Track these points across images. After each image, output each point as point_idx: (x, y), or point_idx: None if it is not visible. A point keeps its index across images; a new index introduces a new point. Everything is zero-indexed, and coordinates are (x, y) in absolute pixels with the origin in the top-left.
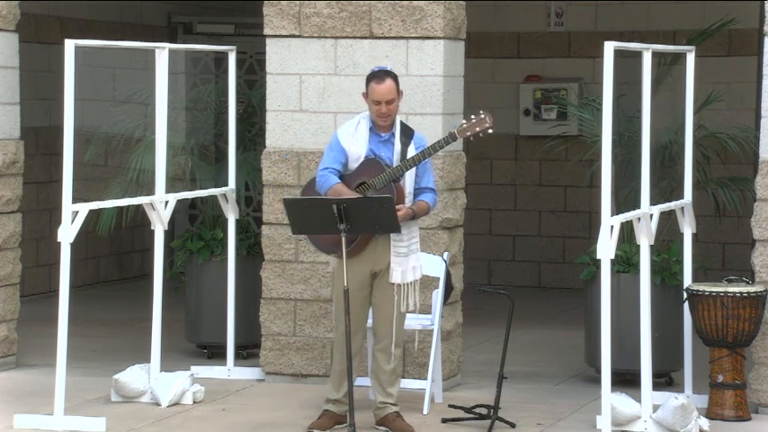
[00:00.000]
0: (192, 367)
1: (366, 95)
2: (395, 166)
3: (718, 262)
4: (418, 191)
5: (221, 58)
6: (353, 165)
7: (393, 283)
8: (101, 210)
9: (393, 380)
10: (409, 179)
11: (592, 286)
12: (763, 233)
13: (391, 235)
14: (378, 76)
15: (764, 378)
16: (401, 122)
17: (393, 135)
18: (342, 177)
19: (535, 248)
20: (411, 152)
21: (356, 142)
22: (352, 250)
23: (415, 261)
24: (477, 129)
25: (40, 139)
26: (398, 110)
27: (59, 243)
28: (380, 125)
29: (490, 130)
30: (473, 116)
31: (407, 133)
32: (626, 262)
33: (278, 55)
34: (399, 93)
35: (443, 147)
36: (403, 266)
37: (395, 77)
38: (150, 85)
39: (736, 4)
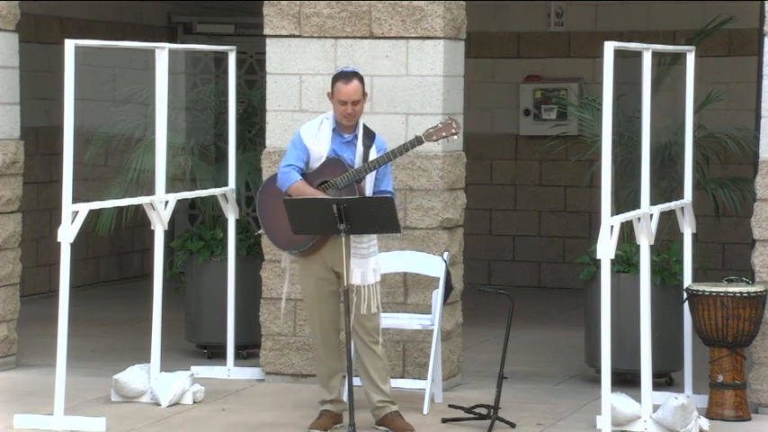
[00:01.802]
0: (192, 367)
1: (331, 95)
2: (358, 167)
3: (718, 262)
4: (377, 194)
5: (221, 58)
6: (315, 164)
7: (353, 285)
8: (101, 210)
9: (384, 376)
10: (369, 182)
11: (592, 286)
12: (763, 233)
13: (352, 236)
14: (344, 76)
15: (764, 378)
16: (364, 125)
17: (356, 137)
18: (303, 175)
19: (535, 248)
20: (373, 155)
21: (319, 142)
22: (309, 249)
23: (375, 264)
24: (444, 134)
25: (40, 139)
26: (363, 111)
27: (59, 243)
28: (344, 126)
29: (456, 136)
30: (440, 122)
31: (370, 136)
32: (626, 262)
33: (278, 55)
34: (365, 94)
35: (409, 150)
36: (363, 268)
37: (361, 79)
38: (150, 85)
39: (736, 4)
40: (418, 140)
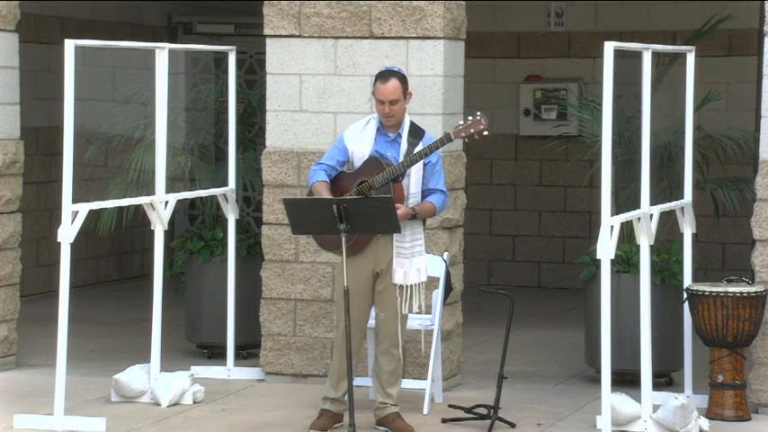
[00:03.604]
0: (192, 367)
1: (373, 95)
2: (392, 166)
3: (718, 262)
4: (427, 192)
5: (221, 58)
6: (358, 164)
7: (395, 284)
8: (101, 210)
9: (393, 381)
10: (415, 180)
11: (592, 286)
12: (763, 233)
13: (394, 235)
14: (383, 75)
15: (764, 378)
16: (411, 123)
17: (400, 135)
18: (343, 175)
19: (535, 248)
20: None
21: (361, 142)
22: (352, 248)
23: (420, 263)
24: (473, 130)
25: (40, 139)
26: (406, 110)
27: (59, 243)
28: (385, 125)
29: (485, 132)
30: (470, 117)
31: (417, 134)
32: (626, 262)
33: (278, 55)
34: (407, 94)
35: (439, 147)
36: (405, 267)
37: (402, 78)
38: (150, 85)
39: (737, 3)
40: (447, 137)
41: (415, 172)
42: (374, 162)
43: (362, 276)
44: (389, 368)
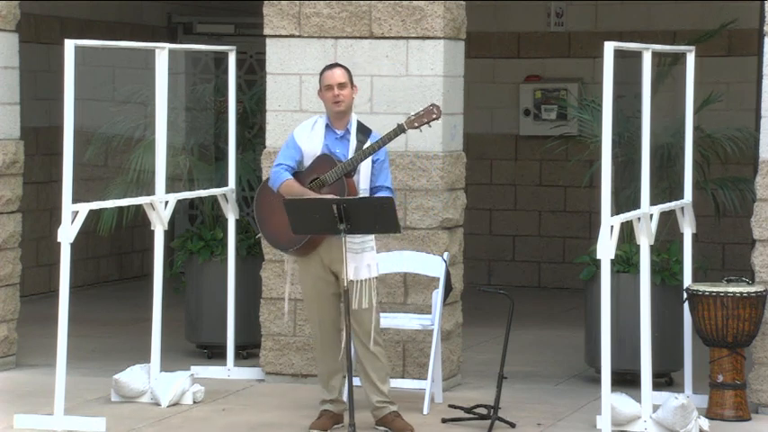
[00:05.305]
0: (192, 367)
1: (320, 91)
2: (345, 161)
3: (718, 262)
4: (374, 189)
5: (221, 58)
6: (308, 162)
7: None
8: (101, 210)
9: (383, 377)
10: (364, 177)
11: (592, 286)
12: (763, 233)
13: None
14: (327, 66)
15: (764, 378)
16: (358, 121)
17: (348, 132)
18: (297, 174)
19: (535, 248)
20: None
21: (312, 140)
22: (304, 248)
23: (371, 259)
24: (425, 119)
25: (40, 139)
26: (353, 102)
27: (59, 243)
28: (337, 121)
29: (439, 120)
30: (422, 109)
31: (365, 131)
32: (626, 262)
33: (278, 55)
34: (353, 86)
35: (392, 139)
36: (356, 263)
37: (346, 69)
38: (150, 85)
39: (737, 4)
40: (401, 128)
41: (364, 169)
42: (326, 159)
43: (324, 279)
44: (375, 366)
